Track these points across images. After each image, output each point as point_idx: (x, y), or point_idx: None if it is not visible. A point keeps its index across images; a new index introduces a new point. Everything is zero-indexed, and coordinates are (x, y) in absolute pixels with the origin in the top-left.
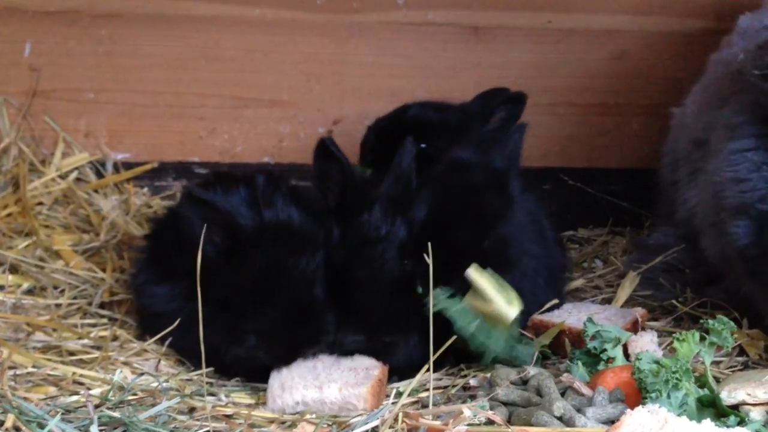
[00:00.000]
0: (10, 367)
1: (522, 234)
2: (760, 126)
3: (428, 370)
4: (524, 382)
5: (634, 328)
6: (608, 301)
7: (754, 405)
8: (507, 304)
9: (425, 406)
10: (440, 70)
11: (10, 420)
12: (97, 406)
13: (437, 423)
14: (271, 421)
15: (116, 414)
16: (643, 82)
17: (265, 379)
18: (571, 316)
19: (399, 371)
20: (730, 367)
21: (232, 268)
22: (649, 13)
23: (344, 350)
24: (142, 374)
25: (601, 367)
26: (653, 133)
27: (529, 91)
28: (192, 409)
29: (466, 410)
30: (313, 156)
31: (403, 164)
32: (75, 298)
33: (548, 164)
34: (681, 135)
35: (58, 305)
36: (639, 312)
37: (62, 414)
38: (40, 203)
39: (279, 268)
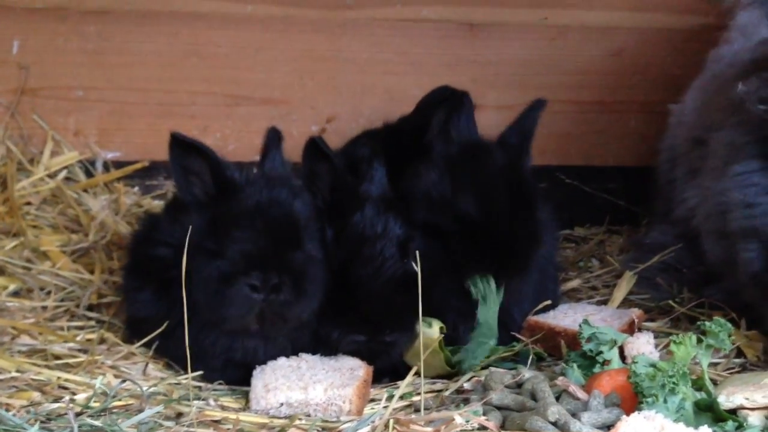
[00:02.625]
0: None
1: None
2: (763, 146)
3: (417, 373)
4: (519, 386)
5: (631, 329)
6: (605, 301)
7: (752, 409)
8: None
9: (417, 410)
10: (435, 67)
11: None
12: (78, 414)
13: (429, 429)
14: (261, 426)
15: (98, 423)
16: (640, 79)
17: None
18: (566, 317)
19: (395, 372)
20: (728, 369)
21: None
22: (645, 9)
23: (343, 350)
24: (125, 381)
25: (596, 369)
26: (650, 130)
27: (524, 88)
28: (179, 414)
29: (458, 417)
30: (302, 155)
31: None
32: (62, 300)
33: (544, 162)
34: (679, 132)
35: (44, 307)
36: (635, 313)
37: (43, 423)
38: (28, 203)
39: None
